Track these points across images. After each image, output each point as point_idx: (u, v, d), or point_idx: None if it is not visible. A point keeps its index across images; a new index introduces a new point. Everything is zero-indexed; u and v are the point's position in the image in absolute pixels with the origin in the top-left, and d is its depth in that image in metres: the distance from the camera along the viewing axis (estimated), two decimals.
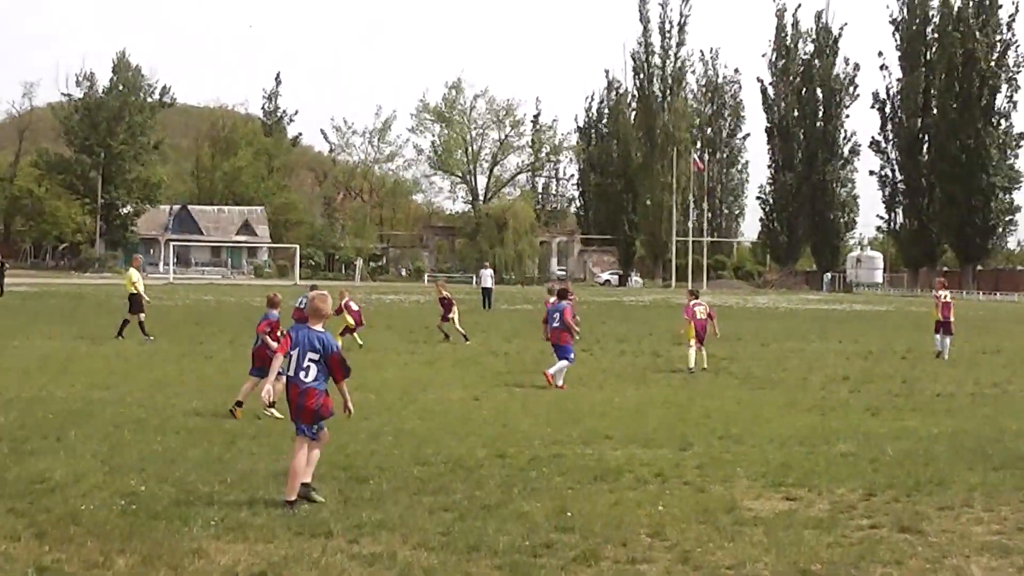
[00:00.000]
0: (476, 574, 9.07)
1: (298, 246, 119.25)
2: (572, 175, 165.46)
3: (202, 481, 12.20)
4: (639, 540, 10.18)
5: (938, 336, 32.37)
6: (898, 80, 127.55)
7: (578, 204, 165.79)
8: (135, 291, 33.10)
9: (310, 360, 11.50)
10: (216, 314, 36.48)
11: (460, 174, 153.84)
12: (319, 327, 11.74)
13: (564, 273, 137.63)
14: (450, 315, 34.91)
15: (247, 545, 9.76)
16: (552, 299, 24.98)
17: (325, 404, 11.64)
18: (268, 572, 9.00)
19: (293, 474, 11.29)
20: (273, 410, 16.00)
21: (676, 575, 9.22)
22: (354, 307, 32.14)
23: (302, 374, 11.51)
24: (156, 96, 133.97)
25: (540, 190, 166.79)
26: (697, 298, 28.38)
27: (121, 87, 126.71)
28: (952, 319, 32.55)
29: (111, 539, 9.80)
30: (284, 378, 11.82)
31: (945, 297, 33.05)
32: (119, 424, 16.07)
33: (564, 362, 23.01)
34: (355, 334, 31.67)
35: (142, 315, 32.94)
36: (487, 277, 61.80)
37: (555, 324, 23.40)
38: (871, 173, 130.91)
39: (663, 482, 12.76)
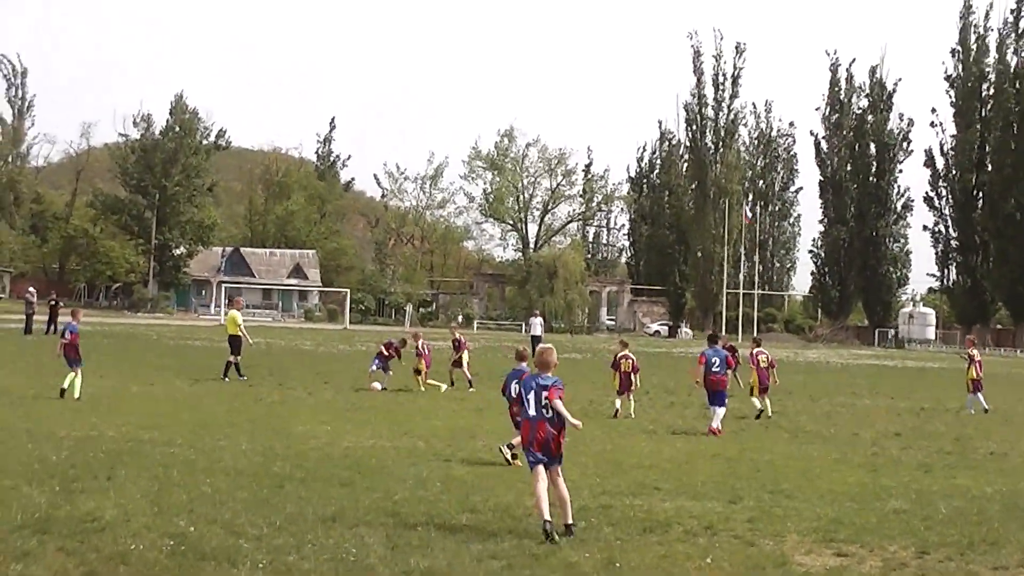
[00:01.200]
0: None
1: (348, 290, 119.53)
2: (623, 225, 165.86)
3: (250, 523, 12.21)
4: None
5: (972, 396, 32.27)
6: (952, 136, 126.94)
7: (628, 254, 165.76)
8: (237, 333, 33.45)
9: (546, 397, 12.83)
10: (266, 357, 36.67)
11: (511, 222, 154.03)
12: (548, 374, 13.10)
13: (614, 323, 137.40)
14: (460, 357, 34.59)
15: None
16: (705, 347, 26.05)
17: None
18: None
19: (540, 498, 12.44)
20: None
21: None
22: (426, 351, 32.97)
23: (545, 412, 12.85)
24: (211, 138, 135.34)
25: (591, 239, 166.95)
26: (760, 346, 28.59)
27: (177, 129, 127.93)
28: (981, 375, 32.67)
29: None
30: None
31: (977, 356, 32.98)
32: (168, 464, 16.13)
33: (723, 408, 24.16)
34: (421, 378, 32.36)
35: (238, 357, 33.31)
36: (536, 325, 61.76)
37: (716, 370, 24.27)
38: (924, 228, 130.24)
39: (713, 535, 12.66)
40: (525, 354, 18.34)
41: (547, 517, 12.20)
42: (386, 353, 32.61)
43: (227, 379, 32.46)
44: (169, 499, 13.49)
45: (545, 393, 12.80)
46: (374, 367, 32.58)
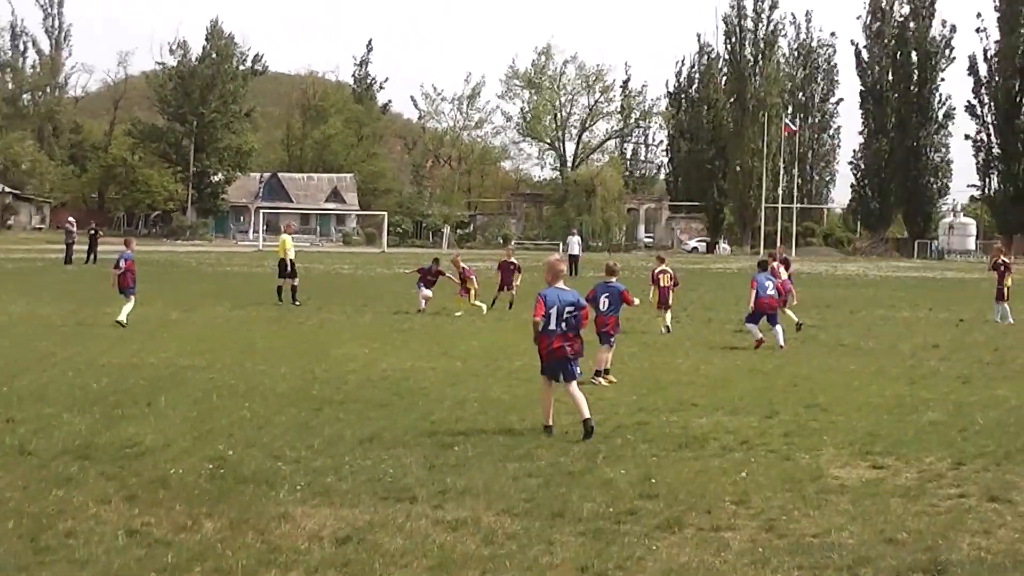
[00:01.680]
0: (559, 541, 9.08)
1: (386, 213, 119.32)
2: (661, 141, 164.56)
3: (289, 447, 12.35)
4: (723, 508, 10.15)
5: (1001, 305, 32.27)
6: (996, 42, 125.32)
7: (667, 171, 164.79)
8: (285, 256, 33.69)
9: (568, 313, 13.65)
10: (305, 281, 36.80)
11: (548, 140, 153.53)
12: (562, 285, 13.94)
13: (652, 240, 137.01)
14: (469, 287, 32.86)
15: (332, 510, 9.86)
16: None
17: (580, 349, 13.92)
18: (353, 537, 9.08)
19: (548, 406, 13.65)
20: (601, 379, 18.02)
21: (760, 543, 9.17)
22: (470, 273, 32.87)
23: (562, 326, 13.61)
24: (248, 64, 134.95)
25: (629, 156, 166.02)
26: (663, 263, 28.49)
27: (214, 55, 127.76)
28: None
29: (199, 503, 9.97)
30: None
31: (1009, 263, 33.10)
32: (208, 390, 16.29)
33: (779, 326, 24.36)
34: (469, 297, 32.15)
35: (295, 281, 33.84)
36: (575, 244, 61.78)
37: (770, 293, 24.26)
38: (966, 137, 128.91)
39: (748, 450, 12.71)
40: (616, 268, 19.02)
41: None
42: (430, 278, 32.46)
43: (281, 302, 32.77)
44: (209, 424, 13.65)
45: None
46: (421, 291, 32.25)
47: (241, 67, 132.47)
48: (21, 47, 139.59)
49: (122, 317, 26.12)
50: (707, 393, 17.05)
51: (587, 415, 13.37)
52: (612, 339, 18.68)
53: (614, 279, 18.66)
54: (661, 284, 27.53)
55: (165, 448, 12.16)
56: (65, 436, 12.69)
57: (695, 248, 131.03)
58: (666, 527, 9.50)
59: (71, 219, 64.12)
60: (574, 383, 13.80)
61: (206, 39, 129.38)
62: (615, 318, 18.59)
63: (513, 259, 35.37)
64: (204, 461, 11.52)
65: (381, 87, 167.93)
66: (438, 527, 9.41)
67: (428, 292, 32.06)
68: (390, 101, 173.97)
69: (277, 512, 9.72)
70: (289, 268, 33.54)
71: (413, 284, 33.08)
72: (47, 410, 14.35)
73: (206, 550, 8.68)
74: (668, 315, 27.60)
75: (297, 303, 32.94)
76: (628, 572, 8.42)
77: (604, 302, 18.28)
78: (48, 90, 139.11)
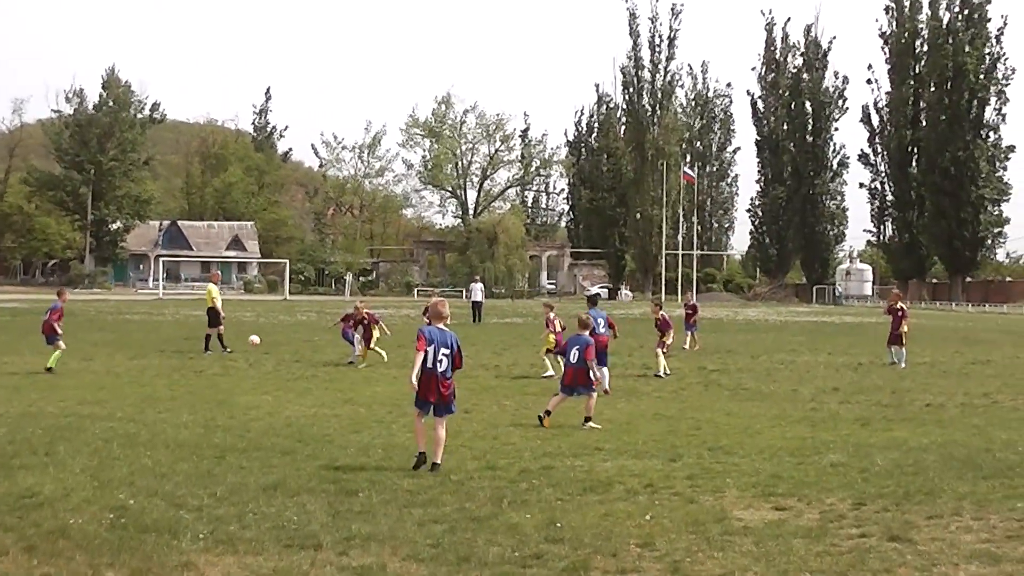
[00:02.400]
0: None
1: (288, 261, 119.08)
2: (562, 189, 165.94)
3: (192, 495, 12.17)
4: (629, 551, 10.16)
5: (897, 348, 32.74)
6: (887, 93, 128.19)
7: (568, 218, 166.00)
8: (213, 305, 33.64)
9: (443, 355, 14.18)
10: (205, 329, 36.40)
11: (450, 188, 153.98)
12: (443, 326, 14.48)
13: (554, 287, 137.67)
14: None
15: (237, 558, 9.73)
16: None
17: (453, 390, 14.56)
18: None
19: (437, 441, 14.12)
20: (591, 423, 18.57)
21: None
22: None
23: (439, 366, 14.15)
24: (146, 112, 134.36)
25: (530, 204, 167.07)
26: (552, 310, 29.04)
27: (111, 103, 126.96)
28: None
29: (100, 553, 9.78)
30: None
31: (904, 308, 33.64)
32: (109, 439, 16.04)
33: (606, 368, 23.60)
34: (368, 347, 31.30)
35: (221, 328, 33.91)
36: (477, 291, 61.89)
37: (601, 330, 23.50)
38: (861, 186, 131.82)
39: (653, 493, 12.75)
40: (589, 322, 19.48)
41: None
42: (353, 324, 31.59)
43: (209, 352, 32.53)
44: (110, 473, 13.43)
45: None
46: (355, 343, 31.38)
47: (139, 115, 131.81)
48: None
49: (54, 362, 26.78)
50: (611, 437, 17.11)
51: (439, 460, 14.05)
52: (592, 388, 18.92)
53: (585, 332, 19.07)
54: (557, 329, 27.98)
55: (65, 498, 11.93)
56: None
57: (597, 294, 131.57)
58: (572, 571, 9.49)
59: None
60: (443, 422, 14.32)
61: (103, 87, 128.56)
62: (584, 369, 18.62)
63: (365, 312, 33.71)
64: (105, 511, 11.31)
65: (281, 135, 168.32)
66: (343, 573, 9.32)
67: (359, 339, 31.39)
68: (291, 149, 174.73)
69: (180, 561, 9.57)
70: (216, 317, 33.64)
71: (339, 335, 32.73)
72: None
73: None
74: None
75: (228, 350, 32.81)
76: None
77: (574, 354, 18.60)
78: None
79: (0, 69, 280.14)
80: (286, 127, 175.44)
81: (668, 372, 28.29)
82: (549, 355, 27.81)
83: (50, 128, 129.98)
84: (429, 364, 14.12)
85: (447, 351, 14.22)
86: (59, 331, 27.65)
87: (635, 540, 10.50)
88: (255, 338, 30.51)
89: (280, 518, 11.17)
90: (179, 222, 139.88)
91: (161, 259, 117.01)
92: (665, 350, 29.36)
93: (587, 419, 18.48)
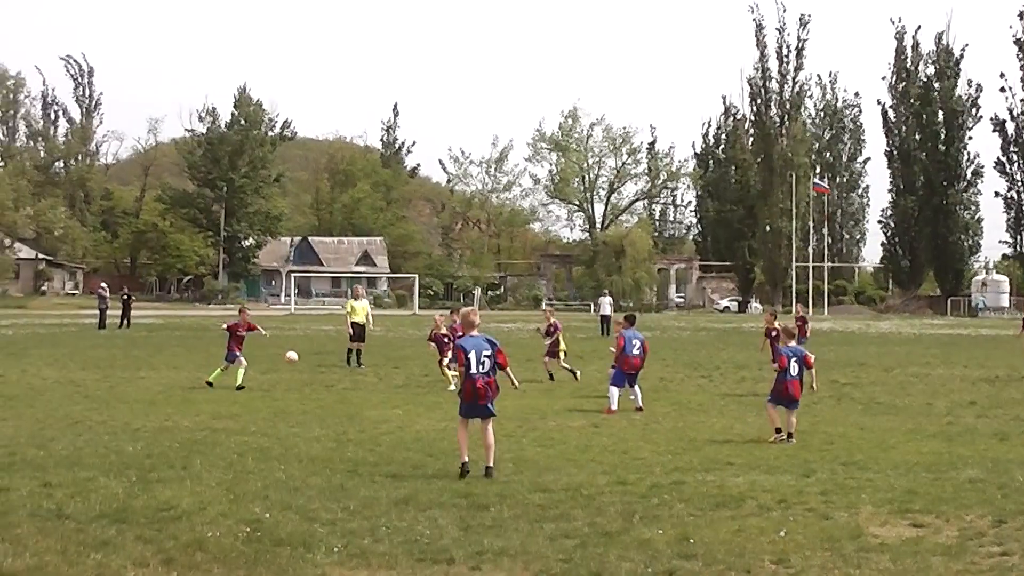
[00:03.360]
0: None
1: (416, 276, 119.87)
2: (689, 202, 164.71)
3: (325, 509, 12.31)
4: (763, 567, 10.07)
5: None
6: (1022, 100, 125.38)
7: (696, 231, 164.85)
8: (358, 320, 34.32)
9: (484, 356, 14.77)
10: (337, 344, 36.87)
11: (577, 202, 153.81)
12: (475, 333, 15.10)
13: (683, 300, 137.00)
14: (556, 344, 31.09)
15: (370, 572, 9.83)
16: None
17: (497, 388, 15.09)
18: None
19: (489, 445, 14.72)
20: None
21: None
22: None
23: (481, 368, 14.74)
24: (276, 130, 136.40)
25: (657, 217, 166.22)
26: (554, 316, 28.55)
27: (243, 121, 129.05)
28: None
29: (236, 566, 9.93)
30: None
31: None
32: (243, 453, 16.30)
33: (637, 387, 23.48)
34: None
35: (361, 344, 34.61)
36: (606, 304, 61.78)
37: (635, 352, 23.42)
38: (996, 195, 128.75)
39: (786, 509, 12.61)
40: (794, 331, 20.34)
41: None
42: (240, 333, 29.11)
43: (361, 366, 33.45)
44: (244, 487, 13.63)
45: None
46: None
47: (270, 133, 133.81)
48: (52, 116, 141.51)
49: (239, 380, 27.10)
50: (742, 452, 16.97)
51: (491, 463, 14.64)
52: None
53: (792, 341, 19.49)
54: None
55: (201, 511, 12.14)
56: (102, 499, 12.69)
57: (727, 307, 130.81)
58: None
59: (103, 285, 64.45)
60: (491, 424, 14.88)
61: (234, 106, 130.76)
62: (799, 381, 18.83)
63: (553, 319, 32.56)
64: (240, 523, 11.48)
65: (408, 151, 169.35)
66: None
67: (292, 355, 29.24)
68: (418, 165, 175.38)
69: (315, 574, 9.70)
70: (359, 331, 34.25)
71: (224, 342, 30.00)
72: (83, 474, 14.36)
73: None
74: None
75: (361, 367, 33.19)
76: None
77: (794, 367, 18.68)
78: (79, 158, 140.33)
79: (136, 90, 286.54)
80: (413, 143, 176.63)
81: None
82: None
83: (183, 147, 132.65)
84: (473, 370, 14.67)
85: (487, 352, 14.82)
86: (238, 349, 27.81)
87: (769, 556, 10.40)
88: (293, 354, 29.27)
89: (412, 532, 11.25)
90: (309, 238, 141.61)
91: (292, 275, 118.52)
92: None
93: (790, 435, 18.24)
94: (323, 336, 52.55)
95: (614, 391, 23.09)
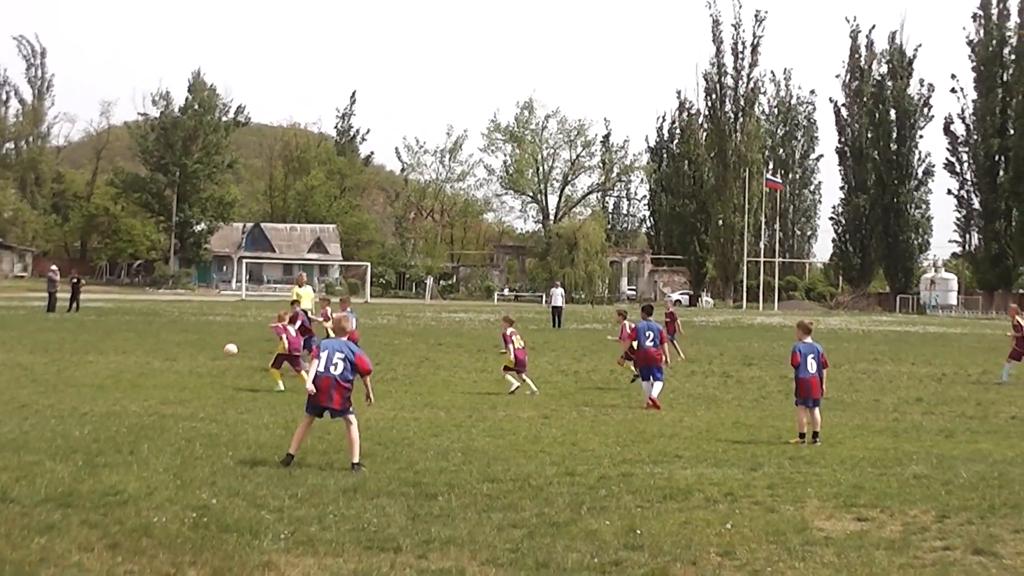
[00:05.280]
0: None
1: (369, 264, 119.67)
2: (643, 196, 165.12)
3: (272, 496, 12.28)
4: (709, 559, 10.12)
5: (1009, 364, 31.39)
6: (973, 101, 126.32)
7: (649, 224, 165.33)
8: (308, 307, 34.17)
9: (337, 358, 14.54)
10: None
11: (531, 193, 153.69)
12: (346, 338, 15.21)
13: (634, 293, 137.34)
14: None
15: (316, 559, 9.81)
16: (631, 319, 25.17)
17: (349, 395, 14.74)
18: None
19: (353, 441, 14.44)
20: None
21: None
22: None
23: (333, 369, 14.47)
24: (231, 115, 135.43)
25: (611, 210, 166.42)
26: (512, 325, 26.74)
27: (196, 106, 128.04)
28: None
29: (182, 551, 9.90)
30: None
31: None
32: (191, 439, 16.23)
33: (660, 382, 23.15)
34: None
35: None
36: (558, 296, 61.70)
37: (649, 344, 23.21)
38: (948, 193, 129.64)
39: (733, 502, 12.68)
40: (810, 326, 19.08)
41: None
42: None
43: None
44: (192, 472, 13.58)
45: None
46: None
47: (224, 118, 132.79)
48: (3, 96, 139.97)
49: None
50: (691, 445, 17.05)
51: (355, 459, 14.33)
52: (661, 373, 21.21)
53: (808, 337, 18.71)
54: (516, 346, 25.23)
55: (148, 496, 12.08)
56: (47, 483, 12.60)
57: (678, 301, 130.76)
58: None
59: (54, 267, 63.93)
60: (351, 422, 14.55)
61: (188, 90, 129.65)
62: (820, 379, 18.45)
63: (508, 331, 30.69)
64: (187, 509, 11.44)
65: (363, 139, 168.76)
66: None
67: (231, 348, 26.93)
68: (372, 153, 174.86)
69: (261, 561, 9.66)
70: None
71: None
72: (29, 458, 14.25)
73: None
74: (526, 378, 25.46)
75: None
76: None
77: (811, 363, 18.30)
78: (30, 140, 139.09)
79: (88, 72, 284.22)
80: (368, 131, 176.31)
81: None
82: (510, 371, 25.21)
83: (136, 131, 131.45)
84: (322, 368, 14.51)
85: (341, 355, 14.59)
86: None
87: (715, 548, 10.46)
88: (232, 347, 26.99)
89: (360, 520, 11.24)
90: (262, 224, 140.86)
91: (244, 261, 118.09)
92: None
93: (815, 435, 17.90)
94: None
95: (645, 384, 23.14)
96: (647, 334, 23.27)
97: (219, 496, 12.16)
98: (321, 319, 28.57)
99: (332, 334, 15.87)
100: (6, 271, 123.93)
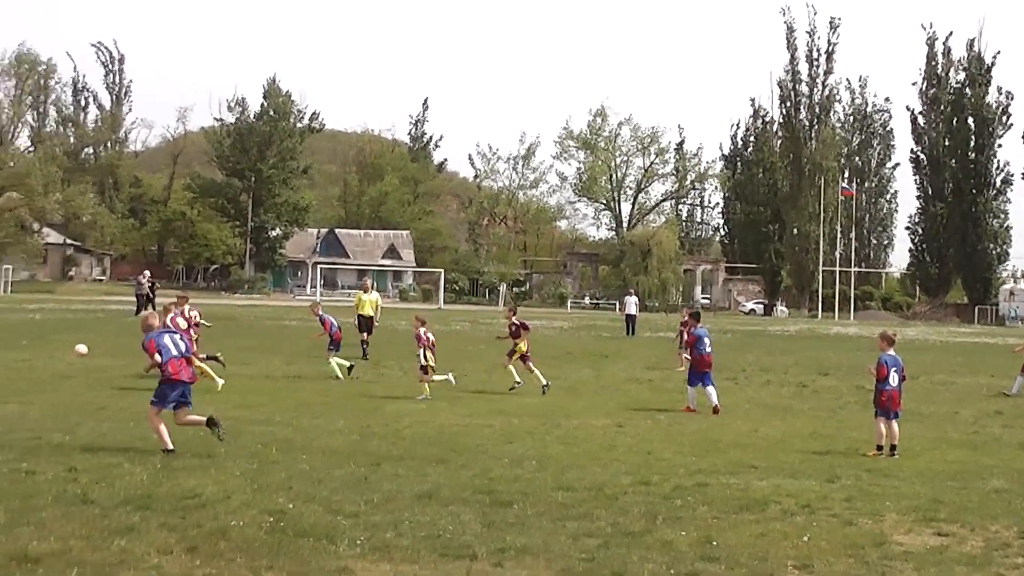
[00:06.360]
0: None
1: (442, 271, 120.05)
2: (717, 203, 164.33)
3: (348, 501, 12.32)
4: (786, 572, 10.03)
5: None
6: None
7: (723, 232, 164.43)
8: (365, 313, 35.40)
9: (179, 340, 16.30)
10: (358, 336, 36.79)
11: (604, 201, 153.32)
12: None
13: (708, 301, 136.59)
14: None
15: (392, 566, 9.82)
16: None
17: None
18: None
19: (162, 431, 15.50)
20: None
21: None
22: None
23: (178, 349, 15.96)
24: (305, 121, 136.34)
25: (684, 218, 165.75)
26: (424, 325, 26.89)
27: (272, 112, 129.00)
28: None
29: (259, 555, 9.95)
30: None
31: None
32: (266, 443, 16.33)
33: (712, 387, 23.32)
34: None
35: (368, 336, 35.11)
36: (631, 304, 61.49)
37: (708, 349, 23.51)
38: None
39: (810, 514, 12.55)
40: (894, 337, 18.71)
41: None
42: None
43: (366, 358, 33.34)
44: (268, 477, 13.65)
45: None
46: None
47: (299, 124, 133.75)
48: (83, 103, 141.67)
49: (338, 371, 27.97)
50: (766, 456, 16.89)
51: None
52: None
53: (891, 350, 18.42)
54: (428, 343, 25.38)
55: (225, 500, 12.16)
56: (126, 485, 12.74)
57: (752, 310, 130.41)
58: None
59: (146, 272, 64.67)
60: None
61: (264, 96, 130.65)
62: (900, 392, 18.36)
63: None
64: (263, 514, 11.50)
65: (436, 145, 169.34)
66: None
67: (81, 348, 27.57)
68: (446, 160, 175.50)
69: (337, 567, 9.69)
70: (366, 323, 35.06)
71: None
72: (107, 460, 14.42)
73: None
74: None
75: (365, 359, 33.20)
76: None
77: (894, 376, 18.16)
78: (109, 145, 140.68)
79: (167, 78, 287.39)
80: (441, 137, 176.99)
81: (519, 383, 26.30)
82: (515, 358, 26.20)
83: (212, 136, 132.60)
84: (175, 353, 15.83)
85: (177, 336, 16.43)
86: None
87: (792, 561, 10.37)
88: (82, 347, 26.67)
89: (435, 527, 11.25)
90: (336, 230, 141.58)
91: (319, 266, 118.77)
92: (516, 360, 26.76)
93: (892, 448, 17.68)
94: (347, 328, 52.52)
95: (690, 390, 23.29)
96: (704, 340, 23.64)
97: (295, 501, 12.22)
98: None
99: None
100: (84, 275, 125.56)
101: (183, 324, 25.58)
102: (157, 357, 15.68)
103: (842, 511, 12.77)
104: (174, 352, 15.83)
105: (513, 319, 27.33)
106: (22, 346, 34.82)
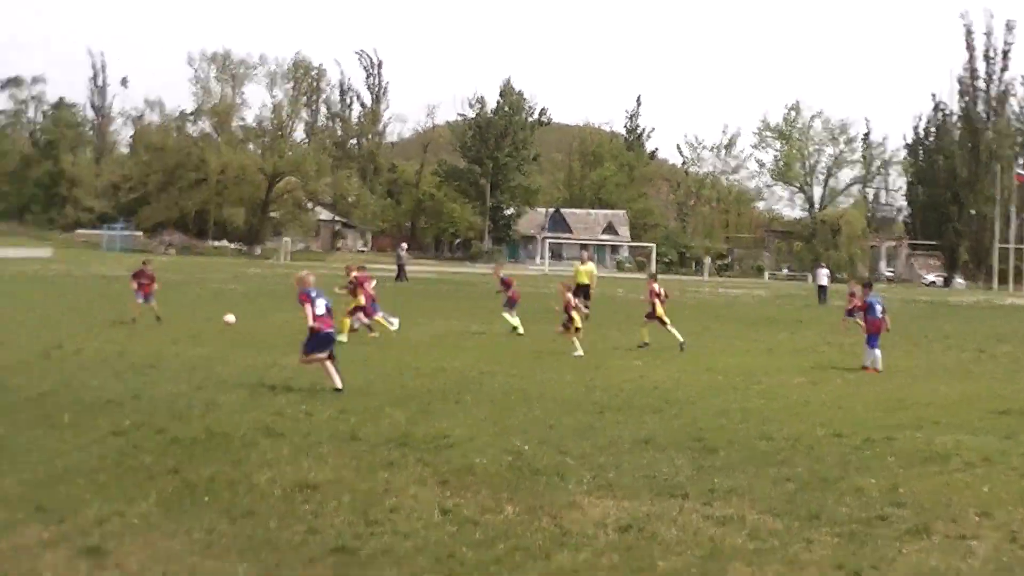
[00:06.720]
0: (817, 540, 8.84)
1: (654, 245, 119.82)
2: (900, 187, 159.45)
3: (575, 445, 12.37)
4: (968, 518, 9.70)
5: None
6: None
7: (906, 213, 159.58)
8: (586, 281, 34.54)
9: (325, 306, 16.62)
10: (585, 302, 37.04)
11: (798, 184, 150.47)
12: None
13: (892, 274, 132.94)
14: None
15: (615, 501, 9.83)
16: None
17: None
18: (633, 526, 9.04)
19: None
20: None
21: (1004, 552, 8.74)
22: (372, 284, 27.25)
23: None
24: (535, 116, 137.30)
25: (871, 199, 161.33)
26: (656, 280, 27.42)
27: (507, 108, 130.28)
28: None
29: (501, 489, 10.08)
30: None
31: None
32: (506, 392, 16.52)
33: (877, 350, 22.61)
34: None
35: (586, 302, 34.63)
36: (823, 276, 60.51)
37: (879, 315, 22.88)
38: None
39: (990, 467, 12.08)
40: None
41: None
42: (143, 281, 27.96)
43: (587, 312, 33.18)
44: (507, 421, 13.81)
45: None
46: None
47: (529, 119, 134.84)
48: (348, 101, 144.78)
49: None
50: (948, 413, 16.33)
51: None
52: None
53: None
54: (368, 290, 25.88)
55: (471, 440, 12.35)
56: (388, 426, 13.05)
57: (933, 282, 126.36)
58: (915, 533, 9.15)
59: (404, 244, 66.30)
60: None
61: (500, 95, 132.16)
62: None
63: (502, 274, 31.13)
64: (504, 453, 11.64)
65: (649, 136, 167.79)
66: (708, 522, 9.28)
67: (230, 318, 25.88)
68: (657, 148, 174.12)
69: (567, 501, 9.75)
70: (584, 290, 34.54)
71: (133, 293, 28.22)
72: (372, 403, 14.78)
73: (508, 530, 8.77)
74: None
75: (587, 312, 33.33)
76: (881, 572, 8.14)
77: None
78: (369, 136, 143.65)
79: (417, 80, 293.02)
80: (653, 129, 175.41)
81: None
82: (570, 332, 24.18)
83: (456, 129, 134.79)
84: (321, 311, 16.33)
85: (326, 303, 16.64)
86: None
87: (974, 509, 10.02)
88: (230, 317, 25.76)
89: (651, 469, 11.23)
90: (562, 209, 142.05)
91: (547, 240, 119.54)
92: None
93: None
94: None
95: (876, 352, 22.60)
96: (876, 307, 22.95)
97: (531, 443, 12.32)
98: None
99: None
100: (350, 247, 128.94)
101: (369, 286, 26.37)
102: (309, 308, 16.21)
103: (1020, 465, 12.26)
104: (321, 309, 16.34)
105: (500, 274, 29.60)
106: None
